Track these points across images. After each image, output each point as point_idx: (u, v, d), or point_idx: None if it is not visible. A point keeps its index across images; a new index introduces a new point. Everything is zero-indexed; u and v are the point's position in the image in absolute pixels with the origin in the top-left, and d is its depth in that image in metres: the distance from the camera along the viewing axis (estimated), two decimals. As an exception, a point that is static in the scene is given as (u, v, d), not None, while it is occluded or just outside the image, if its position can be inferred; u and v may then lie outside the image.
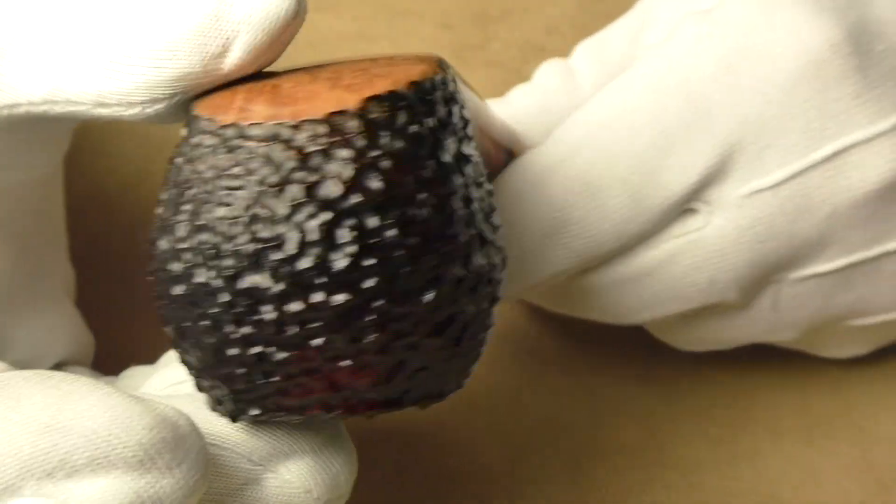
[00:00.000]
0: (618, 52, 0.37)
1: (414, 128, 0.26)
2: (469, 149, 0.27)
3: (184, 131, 0.27)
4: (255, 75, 0.27)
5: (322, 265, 0.25)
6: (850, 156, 0.32)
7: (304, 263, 0.25)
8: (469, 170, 0.27)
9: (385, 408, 0.26)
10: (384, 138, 0.25)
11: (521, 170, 0.33)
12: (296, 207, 0.25)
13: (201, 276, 0.25)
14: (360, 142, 0.25)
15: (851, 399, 0.39)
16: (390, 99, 0.26)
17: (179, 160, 0.26)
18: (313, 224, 0.25)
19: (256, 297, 0.25)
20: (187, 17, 0.26)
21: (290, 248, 0.25)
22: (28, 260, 0.32)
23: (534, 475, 0.37)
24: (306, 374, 0.25)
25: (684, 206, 0.33)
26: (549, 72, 0.37)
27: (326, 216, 0.25)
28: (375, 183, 0.25)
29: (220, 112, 0.26)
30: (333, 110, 0.25)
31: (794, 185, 0.32)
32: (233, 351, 0.25)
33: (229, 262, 0.25)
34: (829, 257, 0.34)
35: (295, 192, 0.25)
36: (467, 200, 0.27)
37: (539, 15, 0.44)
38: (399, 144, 0.26)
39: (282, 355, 0.25)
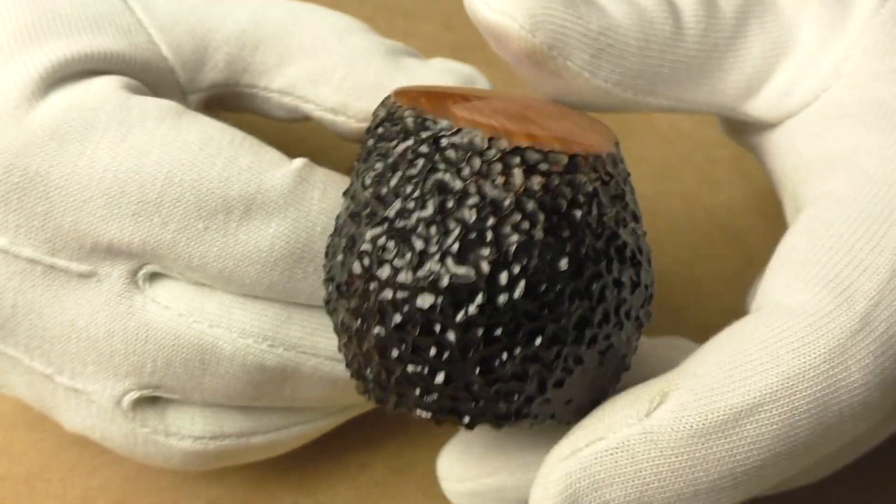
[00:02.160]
0: (733, 4, 0.32)
1: (626, 175, 0.28)
2: None
3: (427, 140, 0.26)
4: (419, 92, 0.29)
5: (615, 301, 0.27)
6: None
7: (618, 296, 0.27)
8: None
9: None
10: (626, 185, 0.28)
11: None
12: (609, 242, 0.26)
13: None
14: (622, 181, 0.27)
15: (852, 399, 0.39)
16: (616, 150, 0.28)
17: (442, 174, 0.26)
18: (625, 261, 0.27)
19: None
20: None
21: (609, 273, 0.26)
22: None
23: (533, 475, 0.37)
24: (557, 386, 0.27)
25: None
26: None
27: (629, 254, 0.27)
28: (631, 224, 0.27)
29: (491, 130, 0.26)
30: (610, 151, 0.27)
31: None
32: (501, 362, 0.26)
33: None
34: None
35: (611, 225, 0.26)
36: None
37: (539, 15, 0.44)
38: (630, 192, 0.28)
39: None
